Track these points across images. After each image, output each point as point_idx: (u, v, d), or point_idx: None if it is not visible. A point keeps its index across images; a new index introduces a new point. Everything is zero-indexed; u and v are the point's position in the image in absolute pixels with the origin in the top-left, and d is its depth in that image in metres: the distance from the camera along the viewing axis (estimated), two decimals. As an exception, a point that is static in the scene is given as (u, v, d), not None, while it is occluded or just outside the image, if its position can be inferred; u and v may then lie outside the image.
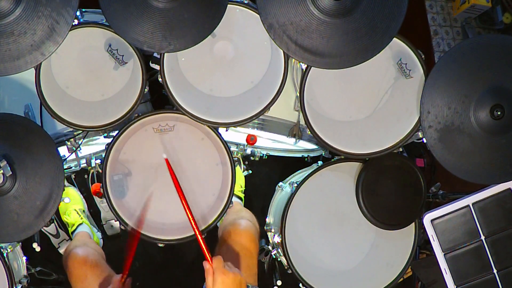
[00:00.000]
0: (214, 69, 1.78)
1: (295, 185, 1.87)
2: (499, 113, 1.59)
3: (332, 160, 1.91)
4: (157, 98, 2.03)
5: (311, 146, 2.10)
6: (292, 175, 2.16)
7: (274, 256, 2.04)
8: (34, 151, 1.56)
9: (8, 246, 1.70)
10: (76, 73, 1.73)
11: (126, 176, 1.80)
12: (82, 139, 1.81)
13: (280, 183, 2.11)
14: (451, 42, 2.80)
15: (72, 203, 2.16)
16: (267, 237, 2.07)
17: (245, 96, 1.80)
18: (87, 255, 1.73)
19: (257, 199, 2.36)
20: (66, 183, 2.14)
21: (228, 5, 1.61)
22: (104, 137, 1.84)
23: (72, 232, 2.11)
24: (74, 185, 2.24)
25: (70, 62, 1.72)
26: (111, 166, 1.77)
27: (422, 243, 2.02)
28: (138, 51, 1.69)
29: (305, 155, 2.26)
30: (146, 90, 1.72)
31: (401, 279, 1.92)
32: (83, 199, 2.24)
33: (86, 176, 2.22)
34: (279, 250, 1.91)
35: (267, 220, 2.09)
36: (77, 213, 2.13)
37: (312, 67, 1.70)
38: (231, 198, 1.80)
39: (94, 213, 2.26)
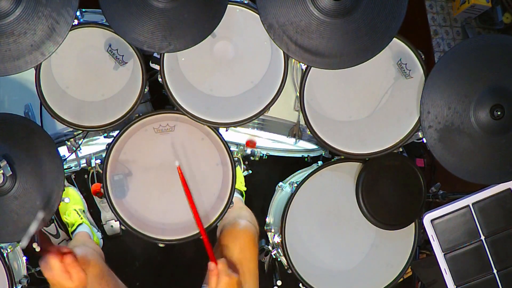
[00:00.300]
0: (214, 69, 1.78)
1: (295, 185, 1.87)
2: (499, 113, 1.59)
3: (332, 160, 1.91)
4: (157, 98, 2.03)
5: (311, 146, 2.10)
6: (292, 175, 2.16)
7: (274, 256, 2.04)
8: (34, 151, 1.56)
9: (8, 246, 1.70)
10: (76, 73, 1.73)
11: (126, 176, 1.80)
12: (82, 139, 1.81)
13: (280, 183, 2.11)
14: (451, 42, 2.80)
15: (72, 203, 2.16)
16: (267, 237, 2.07)
17: (245, 96, 1.80)
18: (86, 255, 1.73)
19: (257, 199, 2.36)
20: (66, 183, 2.14)
21: (228, 5, 1.61)
22: (104, 137, 1.84)
23: (72, 232, 2.11)
24: (74, 185, 2.24)
25: (70, 62, 1.72)
26: (111, 166, 1.77)
27: (422, 243, 2.02)
28: (138, 51, 1.69)
29: (305, 155, 2.26)
30: (146, 90, 1.72)
31: (401, 279, 1.92)
32: (83, 199, 2.24)
33: (86, 176, 2.22)
34: (279, 250, 1.91)
35: (267, 220, 2.09)
36: (77, 213, 2.13)
37: (312, 67, 1.70)
38: (232, 198, 1.80)
39: (94, 213, 2.26)
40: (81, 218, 2.12)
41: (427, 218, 1.78)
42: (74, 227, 2.10)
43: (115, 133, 1.78)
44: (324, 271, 1.92)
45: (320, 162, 1.97)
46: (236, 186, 1.82)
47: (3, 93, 1.84)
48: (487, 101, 1.61)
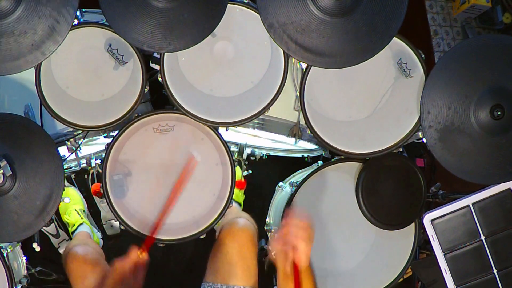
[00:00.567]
0: (214, 69, 1.78)
1: (295, 185, 1.87)
2: (499, 113, 1.59)
3: (332, 160, 1.91)
4: (157, 98, 2.03)
5: (311, 146, 2.10)
6: (292, 175, 2.16)
7: (274, 256, 2.03)
8: (34, 151, 1.56)
9: (8, 246, 1.70)
10: (76, 73, 1.73)
11: (126, 176, 1.80)
12: (82, 139, 1.81)
13: (280, 183, 2.11)
14: (451, 42, 2.80)
15: (72, 203, 2.16)
16: (267, 237, 2.07)
17: (245, 96, 1.80)
18: (87, 254, 1.73)
19: (257, 199, 2.36)
20: (66, 183, 2.14)
21: (228, 5, 1.61)
22: (104, 137, 1.84)
23: (72, 232, 2.10)
24: (74, 185, 2.24)
25: (70, 62, 1.72)
26: (111, 166, 1.77)
27: (422, 243, 2.02)
28: (138, 51, 1.69)
29: (305, 155, 2.26)
30: (146, 90, 1.72)
31: (401, 279, 1.92)
32: (83, 199, 2.24)
33: (86, 176, 2.22)
34: (279, 250, 1.90)
35: (267, 220, 2.09)
36: (77, 213, 2.13)
37: (312, 67, 1.70)
38: (231, 198, 1.80)
39: (94, 213, 2.25)
40: (81, 218, 2.12)
41: (427, 218, 1.78)
42: (74, 227, 2.10)
43: (115, 133, 1.78)
44: (324, 271, 1.92)
45: (320, 162, 1.97)
46: (234, 198, 1.81)
47: (3, 93, 1.84)
48: (487, 101, 1.61)
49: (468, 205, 1.78)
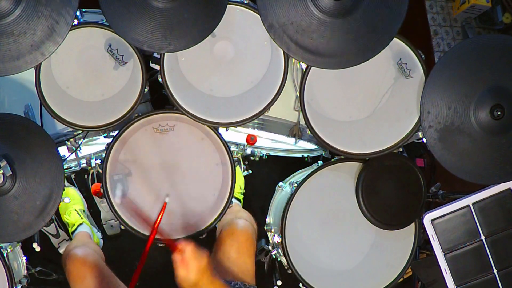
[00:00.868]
0: (214, 69, 1.78)
1: (295, 185, 1.87)
2: (499, 113, 1.59)
3: (332, 160, 1.91)
4: (157, 98, 2.03)
5: (311, 146, 2.10)
6: (292, 175, 2.16)
7: (274, 256, 2.04)
8: (34, 151, 1.56)
9: (8, 246, 1.70)
10: (76, 73, 1.73)
11: (126, 176, 1.80)
12: (82, 139, 1.81)
13: (280, 183, 2.11)
14: (451, 42, 2.80)
15: (72, 203, 2.16)
16: (267, 237, 2.07)
17: (245, 96, 1.80)
18: (86, 255, 1.73)
19: (257, 199, 2.36)
20: (66, 183, 2.14)
21: (228, 5, 1.61)
22: (104, 137, 1.84)
23: (72, 232, 2.10)
24: (74, 185, 2.24)
25: (70, 62, 1.72)
26: (111, 166, 1.77)
27: (422, 243, 2.02)
28: (138, 51, 1.69)
29: (305, 155, 2.26)
30: (146, 90, 1.72)
31: (401, 279, 1.92)
32: (83, 199, 2.23)
33: (86, 176, 2.22)
34: (279, 250, 1.91)
35: (267, 220, 2.09)
36: (77, 213, 2.13)
37: (312, 67, 1.70)
38: (231, 198, 1.80)
39: (94, 213, 2.25)
40: (81, 218, 2.12)
41: (427, 218, 1.78)
42: (74, 227, 2.10)
43: (115, 133, 1.78)
44: (324, 271, 1.92)
45: (320, 162, 1.97)
46: (234, 194, 1.82)
47: (3, 93, 1.84)
48: (487, 101, 1.61)
49: (468, 205, 1.78)
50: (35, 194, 1.55)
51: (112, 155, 1.76)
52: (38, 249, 1.93)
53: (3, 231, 1.53)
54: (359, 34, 1.59)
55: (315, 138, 1.79)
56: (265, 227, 2.07)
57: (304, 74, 1.72)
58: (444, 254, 1.78)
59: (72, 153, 1.83)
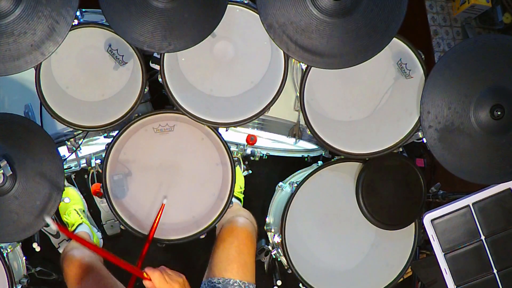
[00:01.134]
0: (214, 69, 1.78)
1: (295, 185, 1.87)
2: (499, 113, 1.59)
3: (332, 160, 1.91)
4: (157, 98, 2.03)
5: (311, 146, 2.10)
6: (292, 175, 2.16)
7: (274, 256, 2.04)
8: (34, 151, 1.56)
9: (8, 246, 1.70)
10: (76, 73, 1.73)
11: (126, 176, 1.80)
12: (82, 139, 1.81)
13: (280, 183, 2.11)
14: (451, 42, 2.80)
15: (72, 203, 2.16)
16: (267, 237, 2.07)
17: (245, 96, 1.80)
18: (83, 257, 1.73)
19: (257, 199, 2.36)
20: (66, 183, 2.14)
21: (228, 5, 1.61)
22: (104, 137, 1.84)
23: (72, 232, 2.10)
24: (74, 185, 2.24)
25: (70, 62, 1.72)
26: (111, 166, 1.77)
27: (422, 243, 2.02)
28: (138, 51, 1.69)
29: (305, 155, 2.26)
30: (146, 90, 1.72)
31: (401, 279, 1.92)
32: (83, 199, 2.24)
33: (86, 176, 2.22)
34: (279, 250, 1.91)
35: (267, 220, 2.09)
36: (77, 213, 2.13)
37: (312, 67, 1.70)
38: (231, 198, 1.80)
39: (94, 213, 2.25)
40: (81, 218, 2.12)
41: (427, 218, 1.78)
42: (74, 227, 2.10)
43: (115, 133, 1.78)
44: (324, 271, 1.92)
45: (320, 162, 1.97)
46: (234, 193, 1.82)
47: (3, 93, 1.84)
48: (487, 101, 1.61)
49: (468, 205, 1.78)
50: (35, 194, 1.54)
51: (112, 155, 1.76)
52: (38, 249, 1.93)
53: (3, 231, 1.53)
54: (359, 34, 1.59)
55: (315, 138, 1.79)
56: (265, 227, 2.07)
57: (304, 74, 1.72)
58: (444, 254, 1.78)
59: (72, 153, 1.83)
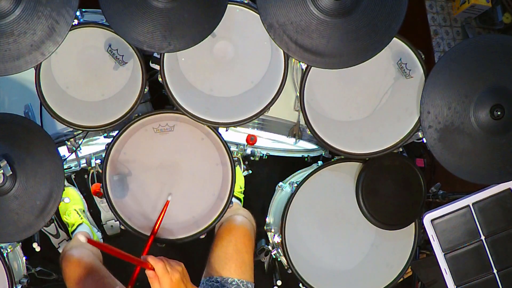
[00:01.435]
0: (214, 69, 1.78)
1: (295, 185, 1.87)
2: (499, 113, 1.59)
3: (332, 160, 1.91)
4: (157, 98, 2.03)
5: (311, 146, 2.10)
6: (292, 175, 2.16)
7: (274, 256, 2.04)
8: (34, 151, 1.56)
9: (8, 246, 1.70)
10: (76, 73, 1.73)
11: (126, 176, 1.80)
12: (82, 139, 1.81)
13: (280, 183, 2.11)
14: (451, 42, 2.80)
15: (72, 203, 2.16)
16: (267, 237, 2.07)
17: (245, 96, 1.80)
18: (82, 256, 1.73)
19: (257, 199, 2.36)
20: (66, 183, 2.14)
21: (228, 5, 1.61)
22: (104, 137, 1.84)
23: (72, 232, 2.11)
24: (74, 185, 2.24)
25: (70, 62, 1.72)
26: (111, 166, 1.77)
27: (422, 243, 2.02)
28: (138, 51, 1.69)
29: (305, 155, 2.26)
30: (146, 90, 1.72)
31: (401, 279, 1.92)
32: (83, 199, 2.24)
33: (86, 176, 2.22)
34: (279, 250, 1.91)
35: (267, 220, 2.09)
36: (77, 213, 2.13)
37: (312, 67, 1.70)
38: (231, 198, 1.80)
39: (94, 213, 2.25)
40: (81, 218, 2.12)
41: (427, 218, 1.78)
42: (74, 227, 2.10)
43: (115, 133, 1.78)
44: (324, 271, 1.92)
45: (320, 162, 1.97)
46: (234, 193, 1.82)
47: (3, 93, 1.84)
48: (487, 101, 1.61)
49: (468, 205, 1.78)
50: (35, 194, 1.55)
51: (112, 155, 1.76)
52: (38, 249, 1.93)
53: (3, 231, 1.53)
54: (359, 34, 1.59)
55: (315, 138, 1.79)
56: (265, 227, 2.07)
57: (304, 74, 1.72)
58: (444, 254, 1.78)
59: (72, 153, 1.83)
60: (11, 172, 1.49)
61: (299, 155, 2.25)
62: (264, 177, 2.42)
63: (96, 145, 2.00)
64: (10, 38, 1.49)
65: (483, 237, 1.78)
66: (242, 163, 2.26)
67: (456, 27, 2.82)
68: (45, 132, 1.59)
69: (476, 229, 1.78)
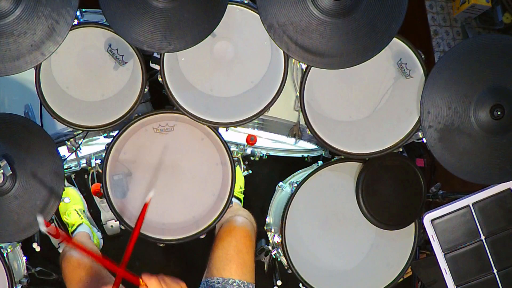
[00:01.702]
0: (214, 69, 1.78)
1: (295, 185, 1.87)
2: (499, 113, 1.59)
3: (332, 160, 1.91)
4: (157, 98, 2.03)
5: (311, 146, 2.10)
6: (292, 175, 2.16)
7: (274, 256, 2.04)
8: (34, 151, 1.56)
9: (8, 246, 1.70)
10: (76, 73, 1.73)
11: (126, 176, 1.80)
12: (82, 139, 1.81)
13: (280, 183, 2.11)
14: (451, 42, 2.80)
15: (72, 203, 2.16)
16: (267, 237, 2.07)
17: (245, 96, 1.80)
18: (82, 256, 1.73)
19: (257, 199, 2.36)
20: (66, 183, 2.14)
21: (228, 5, 1.61)
22: (104, 137, 1.84)
23: (72, 232, 2.10)
24: (74, 185, 2.24)
25: (70, 62, 1.72)
26: (111, 166, 1.77)
27: (422, 243, 2.02)
28: (138, 51, 1.69)
29: (305, 155, 2.26)
30: (146, 90, 1.72)
31: (401, 279, 1.92)
32: (83, 199, 2.24)
33: (86, 176, 2.22)
34: (279, 250, 1.91)
35: (267, 220, 2.09)
36: (77, 213, 2.13)
37: (312, 67, 1.70)
38: (231, 198, 1.80)
39: (94, 213, 2.25)
40: (81, 218, 2.12)
41: (427, 218, 1.78)
42: (74, 227, 2.10)
43: (115, 133, 1.78)
44: (324, 271, 1.92)
45: (320, 162, 1.97)
46: (234, 193, 1.82)
47: (3, 93, 1.84)
48: (487, 101, 1.61)
49: (468, 205, 1.78)
50: (35, 194, 1.55)
51: (112, 155, 1.76)
52: (38, 249, 1.93)
53: (3, 231, 1.53)
54: (359, 34, 1.59)
55: (315, 138, 1.79)
56: (265, 227, 2.07)
57: (304, 74, 1.72)
58: (444, 254, 1.78)
59: (72, 153, 1.83)
60: (11, 172, 1.49)
61: (299, 155, 2.25)
62: (264, 177, 2.42)
63: (96, 145, 2.00)
64: (10, 38, 1.49)
65: (483, 237, 1.78)
66: (242, 163, 2.26)
67: (456, 27, 2.82)
68: (45, 132, 1.59)
69: (476, 229, 1.78)
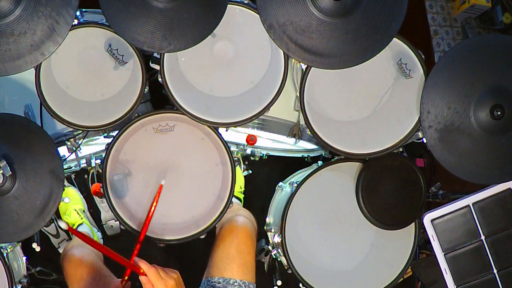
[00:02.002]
0: (214, 69, 1.78)
1: (295, 185, 1.87)
2: (499, 113, 1.59)
3: (332, 160, 1.91)
4: (157, 98, 2.03)
5: (311, 146, 2.10)
6: (292, 175, 2.16)
7: (274, 256, 2.04)
8: (34, 151, 1.56)
9: (8, 246, 1.70)
10: (76, 73, 1.73)
11: (126, 176, 1.80)
12: (82, 139, 1.81)
13: (280, 183, 2.11)
14: (451, 42, 2.80)
15: (72, 203, 2.16)
16: (267, 237, 2.07)
17: (245, 96, 1.80)
18: (83, 256, 1.73)
19: (257, 199, 2.36)
20: (66, 183, 2.14)
21: (228, 5, 1.61)
22: (104, 137, 1.84)
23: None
24: (74, 185, 2.24)
25: (70, 62, 1.72)
26: (111, 166, 1.77)
27: (422, 243, 2.02)
28: (138, 51, 1.69)
29: (305, 155, 2.26)
30: (146, 90, 1.72)
31: (401, 279, 1.92)
32: (83, 199, 2.24)
33: (86, 176, 2.22)
34: (279, 250, 1.91)
35: (267, 220, 2.09)
36: (77, 213, 2.13)
37: (312, 67, 1.70)
38: (231, 198, 1.80)
39: (94, 213, 2.26)
40: (81, 218, 2.12)
41: (427, 218, 1.78)
42: (74, 227, 2.10)
43: (115, 133, 1.78)
44: (324, 271, 1.92)
45: (320, 162, 1.97)
46: (234, 193, 1.82)
47: (3, 93, 1.84)
48: (487, 101, 1.61)
49: (468, 205, 1.78)
50: (35, 194, 1.54)
51: (112, 155, 1.76)
52: (38, 249, 1.93)
53: (3, 231, 1.53)
54: (359, 34, 1.59)
55: (315, 138, 1.79)
56: (265, 227, 2.07)
57: (304, 74, 1.72)
58: (444, 254, 1.78)
59: (72, 153, 1.83)
60: (11, 172, 1.49)
61: (299, 155, 2.25)
62: (264, 177, 2.42)
63: (96, 145, 2.00)
64: (10, 38, 1.49)
65: (483, 237, 1.78)
66: (242, 163, 2.26)
67: (456, 27, 2.82)
68: (45, 132, 1.59)
69: (476, 229, 1.78)
